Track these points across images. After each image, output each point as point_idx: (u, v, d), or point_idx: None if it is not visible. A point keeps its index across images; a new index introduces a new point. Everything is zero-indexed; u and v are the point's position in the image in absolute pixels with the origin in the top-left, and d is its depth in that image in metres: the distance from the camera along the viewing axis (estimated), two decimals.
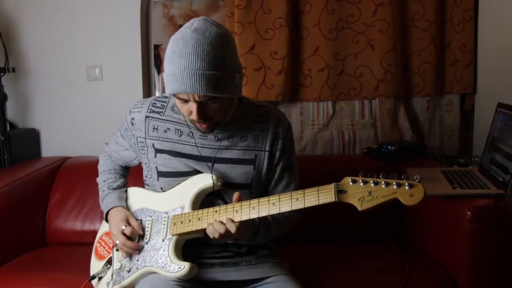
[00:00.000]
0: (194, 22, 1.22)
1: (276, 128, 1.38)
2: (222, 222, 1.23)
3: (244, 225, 1.24)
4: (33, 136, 2.46)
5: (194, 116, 1.24)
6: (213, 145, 1.36)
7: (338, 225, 1.99)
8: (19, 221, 1.96)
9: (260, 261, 1.41)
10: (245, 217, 1.23)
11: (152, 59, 2.48)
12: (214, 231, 1.23)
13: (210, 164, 1.35)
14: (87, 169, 2.13)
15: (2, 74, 2.27)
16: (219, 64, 1.18)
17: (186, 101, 1.24)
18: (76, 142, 2.45)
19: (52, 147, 2.47)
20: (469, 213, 1.47)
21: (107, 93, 2.43)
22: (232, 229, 1.21)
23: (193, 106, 1.22)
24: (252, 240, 1.35)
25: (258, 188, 1.39)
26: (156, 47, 2.46)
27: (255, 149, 1.37)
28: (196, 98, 1.20)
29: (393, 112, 2.40)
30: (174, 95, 1.25)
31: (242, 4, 2.30)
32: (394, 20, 2.32)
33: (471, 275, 1.51)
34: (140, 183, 1.51)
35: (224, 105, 1.27)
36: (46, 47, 2.42)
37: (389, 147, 2.16)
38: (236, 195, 1.25)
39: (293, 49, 2.34)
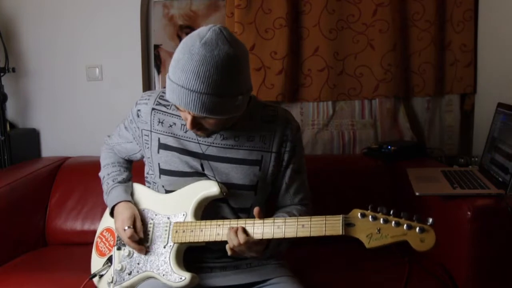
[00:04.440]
0: (208, 32, 1.15)
1: (284, 129, 1.35)
2: (236, 233, 1.19)
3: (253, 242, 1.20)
4: (33, 136, 2.46)
5: (188, 126, 1.23)
6: (219, 144, 1.33)
7: None
8: (19, 221, 1.96)
9: (261, 263, 1.39)
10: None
11: (152, 59, 2.48)
12: (229, 240, 1.20)
13: (212, 163, 1.32)
14: (87, 169, 2.14)
15: (2, 74, 2.27)
16: (220, 88, 1.14)
17: None
18: (76, 142, 2.45)
19: (52, 147, 2.47)
20: (469, 213, 1.47)
21: (107, 93, 2.42)
22: (242, 239, 1.17)
23: (188, 117, 1.21)
24: (274, 251, 1.30)
25: (263, 190, 1.36)
26: (156, 47, 2.46)
27: (261, 150, 1.34)
28: (191, 113, 1.19)
29: (393, 112, 2.40)
30: None
31: (242, 4, 2.30)
32: (394, 20, 2.32)
33: (471, 275, 1.51)
34: (141, 181, 1.50)
35: (222, 121, 1.24)
36: (46, 47, 2.42)
37: (389, 147, 2.16)
38: (256, 209, 1.21)
39: (293, 49, 2.34)
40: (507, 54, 2.12)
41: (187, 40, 1.17)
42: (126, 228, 1.33)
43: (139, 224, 1.35)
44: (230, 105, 1.19)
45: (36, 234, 2.04)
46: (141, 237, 1.34)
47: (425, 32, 2.35)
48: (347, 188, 2.02)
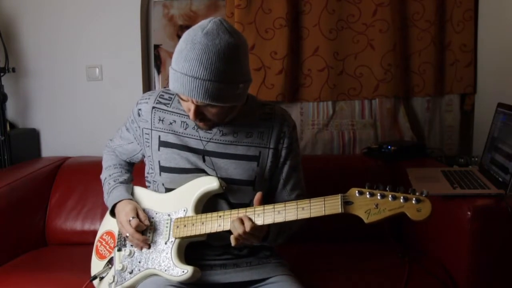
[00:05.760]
0: (209, 24, 1.20)
1: (281, 126, 1.38)
2: (241, 221, 1.21)
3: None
4: (33, 136, 2.46)
5: (191, 116, 1.26)
6: (218, 140, 1.35)
7: (338, 224, 1.99)
8: (19, 221, 1.96)
9: (261, 261, 1.41)
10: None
11: (152, 59, 2.48)
12: (234, 229, 1.22)
13: (212, 158, 1.34)
14: (87, 169, 2.14)
15: (2, 74, 2.27)
16: (222, 75, 1.18)
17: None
18: (76, 142, 2.45)
19: (52, 147, 2.47)
20: (469, 213, 1.47)
21: (107, 93, 2.42)
22: (248, 227, 1.20)
23: (191, 106, 1.24)
24: (274, 242, 1.34)
25: (261, 185, 1.38)
26: (156, 47, 2.46)
27: (259, 146, 1.37)
28: (194, 102, 1.22)
29: (393, 112, 2.40)
30: None
31: (242, 4, 2.30)
32: (394, 20, 2.32)
33: (471, 275, 1.51)
34: (142, 182, 1.51)
35: (224, 110, 1.27)
36: (46, 47, 2.42)
37: (389, 147, 2.16)
38: (258, 194, 1.25)
39: (293, 49, 2.34)
40: (507, 54, 2.12)
41: (189, 32, 1.22)
42: (131, 218, 1.34)
43: (142, 214, 1.38)
44: (232, 92, 1.22)
45: (36, 234, 2.04)
46: (147, 225, 1.36)
47: (425, 32, 2.36)
48: (347, 188, 2.02)
